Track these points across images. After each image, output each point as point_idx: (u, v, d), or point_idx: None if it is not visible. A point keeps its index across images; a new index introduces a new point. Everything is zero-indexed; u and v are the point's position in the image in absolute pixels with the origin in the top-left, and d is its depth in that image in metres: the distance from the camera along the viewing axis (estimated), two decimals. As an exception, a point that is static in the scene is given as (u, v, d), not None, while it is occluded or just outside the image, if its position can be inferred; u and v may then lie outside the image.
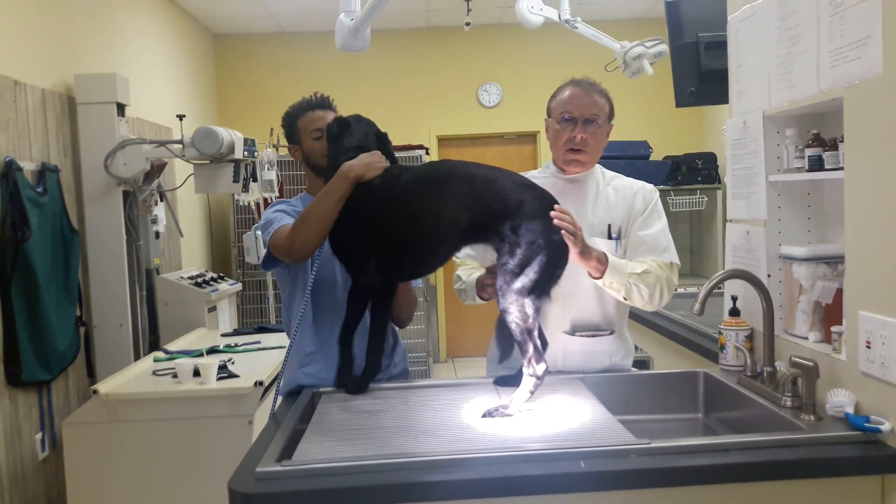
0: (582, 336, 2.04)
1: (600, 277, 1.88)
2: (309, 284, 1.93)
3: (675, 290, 2.02)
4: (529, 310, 1.67)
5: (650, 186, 2.11)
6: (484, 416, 1.65)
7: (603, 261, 1.86)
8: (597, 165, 2.12)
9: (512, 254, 1.69)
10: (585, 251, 1.80)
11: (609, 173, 2.14)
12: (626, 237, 2.04)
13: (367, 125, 1.98)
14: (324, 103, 2.15)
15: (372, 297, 1.90)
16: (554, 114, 2.06)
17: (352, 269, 1.91)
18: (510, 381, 1.88)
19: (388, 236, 1.83)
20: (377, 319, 1.91)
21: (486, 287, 1.97)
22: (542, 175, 2.10)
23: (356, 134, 1.94)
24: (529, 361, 1.68)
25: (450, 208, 1.75)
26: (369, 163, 1.86)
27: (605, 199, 2.06)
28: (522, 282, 1.67)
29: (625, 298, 1.94)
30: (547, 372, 1.70)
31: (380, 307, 1.91)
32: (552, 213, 1.72)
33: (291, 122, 2.15)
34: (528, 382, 1.68)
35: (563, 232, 1.71)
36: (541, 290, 1.69)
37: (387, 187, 1.83)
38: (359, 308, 1.91)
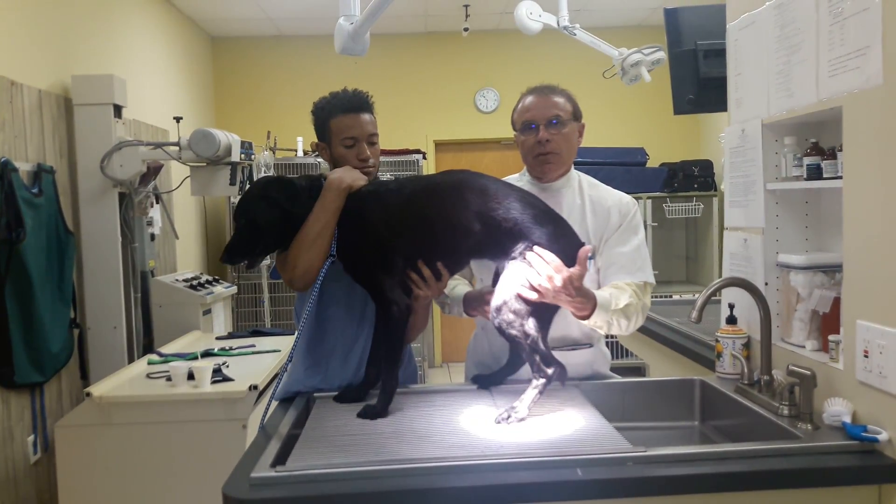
0: (561, 350, 2.00)
1: (586, 318, 1.77)
2: (306, 309, 1.82)
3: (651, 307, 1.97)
4: (531, 331, 1.67)
5: (627, 199, 2.02)
6: (497, 421, 1.63)
7: (591, 302, 1.73)
8: (575, 173, 2.05)
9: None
10: (578, 298, 1.67)
11: (587, 181, 2.06)
12: (599, 255, 1.97)
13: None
14: (362, 105, 1.92)
15: (394, 319, 1.77)
16: (518, 126, 2.02)
17: (380, 290, 1.77)
18: (489, 380, 1.92)
19: (414, 240, 1.75)
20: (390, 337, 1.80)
21: (480, 307, 1.92)
22: (518, 182, 2.03)
23: (301, 182, 1.82)
24: (538, 367, 1.67)
25: (465, 217, 1.71)
26: (353, 174, 1.82)
27: (578, 215, 1.97)
28: (525, 305, 1.66)
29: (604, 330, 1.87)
30: (556, 372, 1.67)
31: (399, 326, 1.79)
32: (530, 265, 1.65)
33: (324, 120, 1.92)
34: (537, 382, 1.67)
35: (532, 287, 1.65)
36: (540, 315, 1.69)
37: (399, 195, 1.77)
38: (398, 341, 1.78)
